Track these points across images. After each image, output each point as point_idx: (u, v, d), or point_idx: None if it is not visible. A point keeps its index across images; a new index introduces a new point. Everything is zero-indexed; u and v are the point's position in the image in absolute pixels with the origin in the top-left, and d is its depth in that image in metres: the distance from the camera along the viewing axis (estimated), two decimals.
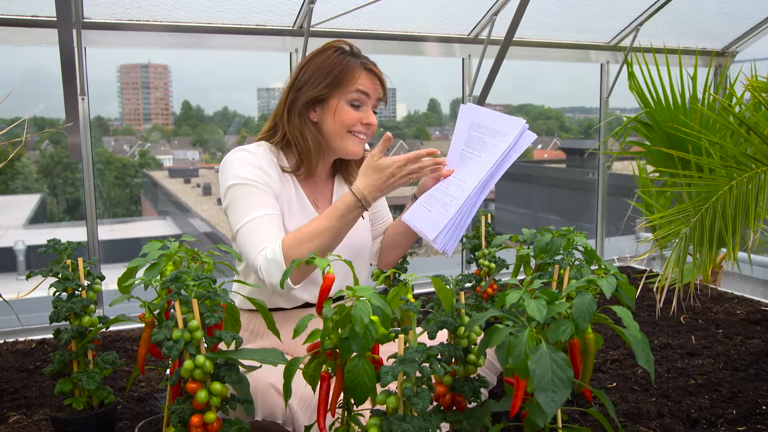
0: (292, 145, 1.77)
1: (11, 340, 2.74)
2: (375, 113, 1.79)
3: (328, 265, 1.37)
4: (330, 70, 1.72)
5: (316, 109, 1.76)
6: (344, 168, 1.90)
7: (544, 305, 1.22)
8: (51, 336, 2.47)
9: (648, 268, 3.82)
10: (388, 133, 1.60)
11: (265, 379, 1.48)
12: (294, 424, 1.50)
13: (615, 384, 2.22)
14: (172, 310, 1.27)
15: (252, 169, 1.67)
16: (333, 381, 1.29)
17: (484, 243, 2.19)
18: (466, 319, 1.37)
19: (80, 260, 1.76)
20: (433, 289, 2.28)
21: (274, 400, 1.47)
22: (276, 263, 1.55)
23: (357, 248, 1.83)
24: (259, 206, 1.63)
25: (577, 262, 1.50)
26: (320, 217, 1.61)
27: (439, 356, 1.34)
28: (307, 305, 1.80)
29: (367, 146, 1.92)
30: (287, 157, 1.80)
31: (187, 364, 1.24)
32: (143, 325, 1.46)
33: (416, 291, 3.41)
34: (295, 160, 1.79)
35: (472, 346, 1.38)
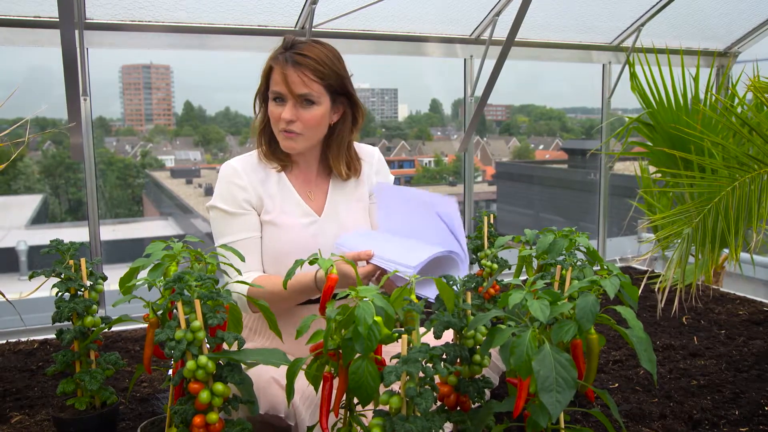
0: None
1: (14, 340, 2.74)
2: (312, 103, 1.68)
3: (332, 265, 1.37)
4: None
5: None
6: (332, 161, 1.85)
7: (547, 306, 1.22)
8: (53, 336, 2.47)
9: (650, 269, 3.82)
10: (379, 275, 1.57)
11: (268, 373, 1.48)
12: (296, 420, 1.51)
13: (617, 384, 2.22)
14: (175, 311, 1.26)
15: (231, 189, 1.75)
16: (336, 381, 1.29)
17: (486, 243, 2.19)
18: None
19: (83, 260, 1.77)
20: None
21: (276, 394, 1.48)
22: (240, 301, 1.68)
23: None
24: (232, 232, 1.75)
25: (579, 263, 1.49)
26: (288, 285, 1.57)
27: (444, 356, 1.34)
28: (301, 303, 1.79)
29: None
30: None
31: (190, 364, 1.24)
32: (146, 325, 1.45)
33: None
34: None
35: (478, 347, 1.38)
